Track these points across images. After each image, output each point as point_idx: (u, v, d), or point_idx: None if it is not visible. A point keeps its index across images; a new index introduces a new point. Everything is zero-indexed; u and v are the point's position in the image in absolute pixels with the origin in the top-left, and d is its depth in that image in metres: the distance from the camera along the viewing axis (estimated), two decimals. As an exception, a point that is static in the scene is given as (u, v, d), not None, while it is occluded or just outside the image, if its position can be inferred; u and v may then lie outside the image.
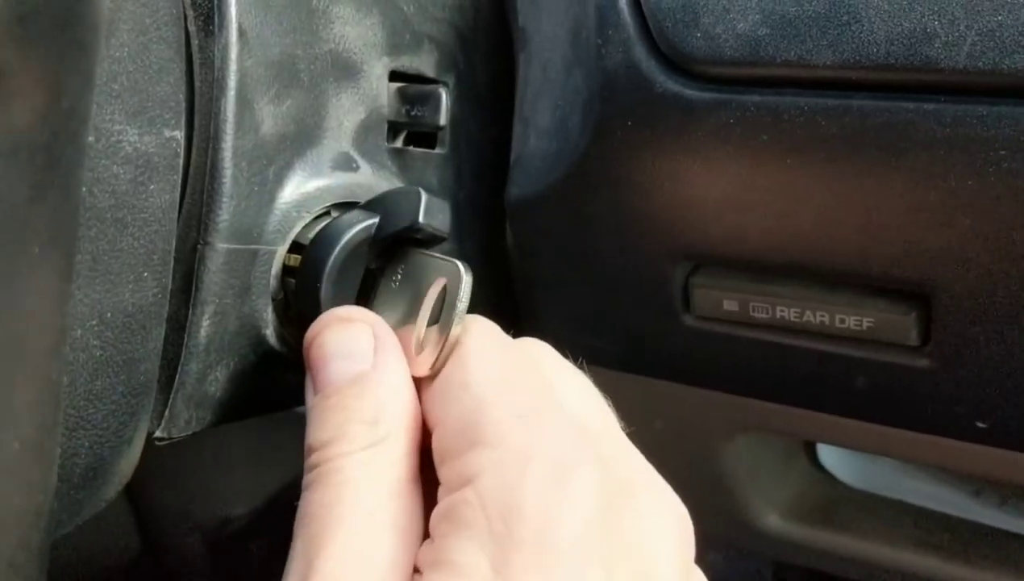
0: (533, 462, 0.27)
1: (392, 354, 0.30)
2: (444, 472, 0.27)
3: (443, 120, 0.37)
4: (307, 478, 0.28)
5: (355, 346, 0.30)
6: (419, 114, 0.37)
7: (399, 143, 0.38)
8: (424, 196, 0.32)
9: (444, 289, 0.31)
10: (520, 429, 0.27)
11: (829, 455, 0.53)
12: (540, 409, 0.29)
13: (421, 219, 0.32)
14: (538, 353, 0.32)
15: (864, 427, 0.40)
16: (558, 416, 0.29)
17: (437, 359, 0.31)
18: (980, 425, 0.36)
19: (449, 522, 0.26)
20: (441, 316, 0.31)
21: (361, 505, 0.27)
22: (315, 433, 0.29)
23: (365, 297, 0.34)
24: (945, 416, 0.37)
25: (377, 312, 0.34)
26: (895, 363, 0.37)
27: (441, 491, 0.27)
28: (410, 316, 0.32)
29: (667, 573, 0.27)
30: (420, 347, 0.32)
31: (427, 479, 0.30)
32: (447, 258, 0.32)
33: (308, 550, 0.26)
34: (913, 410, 0.38)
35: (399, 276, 0.33)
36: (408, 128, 0.38)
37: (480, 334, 0.30)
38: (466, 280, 0.31)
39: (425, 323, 0.32)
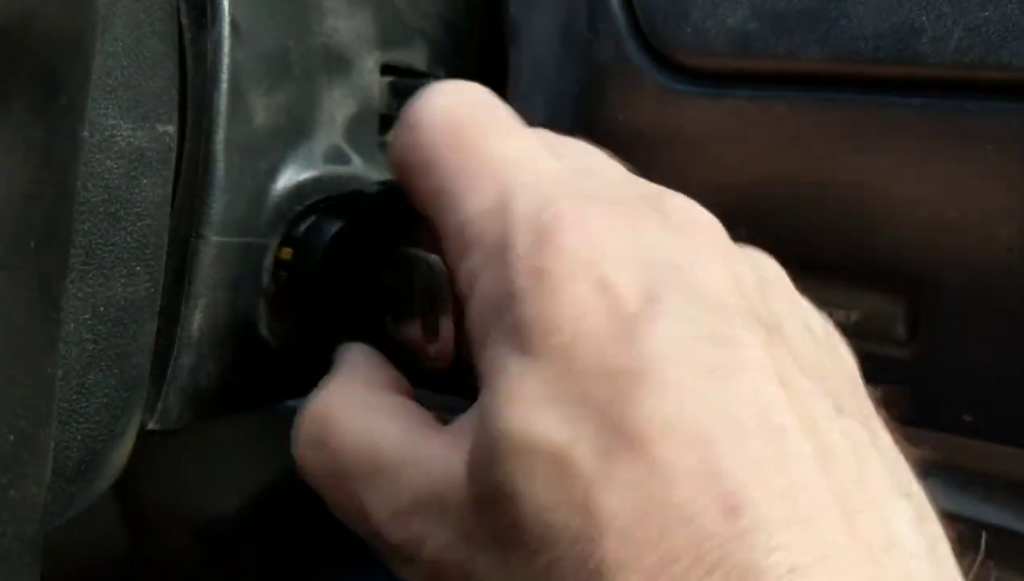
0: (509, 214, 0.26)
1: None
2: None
3: None
4: None
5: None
6: None
7: (391, 136, 0.38)
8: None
9: (429, 285, 0.32)
10: (478, 220, 0.27)
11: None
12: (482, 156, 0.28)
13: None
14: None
15: (852, 420, 0.40)
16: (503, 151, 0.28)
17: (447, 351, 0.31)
18: (967, 418, 0.36)
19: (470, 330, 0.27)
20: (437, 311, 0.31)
21: (345, 414, 0.28)
22: None
23: (358, 291, 0.34)
24: (932, 409, 0.37)
25: (371, 307, 0.34)
26: (883, 356, 0.37)
27: None
28: (407, 312, 0.32)
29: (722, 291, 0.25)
30: (426, 340, 0.32)
31: None
32: (422, 254, 0.32)
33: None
34: (900, 403, 0.38)
35: (389, 271, 0.33)
36: None
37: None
38: (442, 276, 0.31)
39: (421, 319, 0.32)
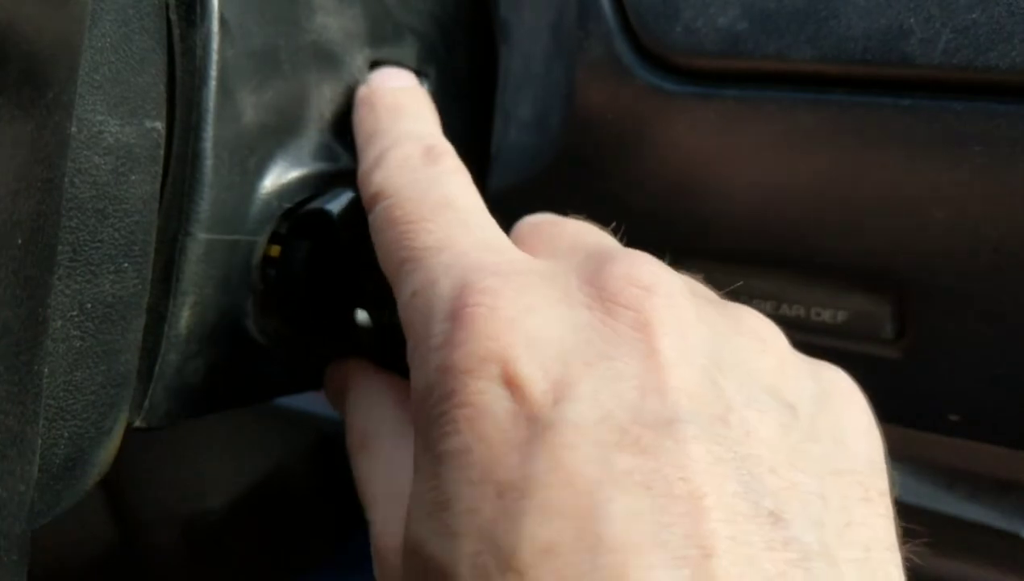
0: (425, 340, 0.24)
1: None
2: None
3: None
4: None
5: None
6: None
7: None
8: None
9: None
10: (409, 306, 0.26)
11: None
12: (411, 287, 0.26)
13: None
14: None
15: (839, 419, 0.40)
16: (429, 278, 0.26)
17: None
18: (953, 418, 0.37)
19: None
20: None
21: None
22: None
23: (347, 287, 0.34)
24: (918, 408, 0.38)
25: (357, 304, 0.34)
26: (870, 356, 0.37)
27: None
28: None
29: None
30: None
31: None
32: None
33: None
34: (887, 403, 0.38)
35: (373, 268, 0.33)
36: None
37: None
38: None
39: None
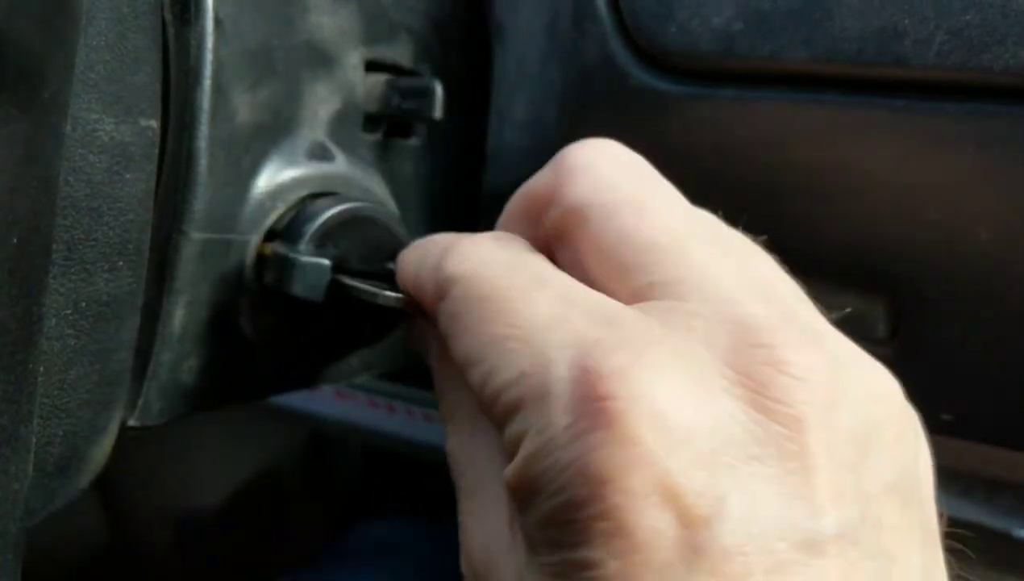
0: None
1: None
2: None
3: (438, 113, 0.36)
4: None
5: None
6: (412, 107, 0.36)
7: (379, 134, 0.38)
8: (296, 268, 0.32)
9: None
10: (515, 385, 0.24)
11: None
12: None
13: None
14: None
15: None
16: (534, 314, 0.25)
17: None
18: (945, 417, 0.37)
19: None
20: None
21: None
22: None
23: (340, 286, 0.34)
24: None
25: (350, 303, 0.34)
26: (863, 355, 0.37)
27: None
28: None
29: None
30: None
31: None
32: (381, 289, 0.32)
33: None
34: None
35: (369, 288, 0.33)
36: (399, 118, 0.37)
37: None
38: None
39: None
